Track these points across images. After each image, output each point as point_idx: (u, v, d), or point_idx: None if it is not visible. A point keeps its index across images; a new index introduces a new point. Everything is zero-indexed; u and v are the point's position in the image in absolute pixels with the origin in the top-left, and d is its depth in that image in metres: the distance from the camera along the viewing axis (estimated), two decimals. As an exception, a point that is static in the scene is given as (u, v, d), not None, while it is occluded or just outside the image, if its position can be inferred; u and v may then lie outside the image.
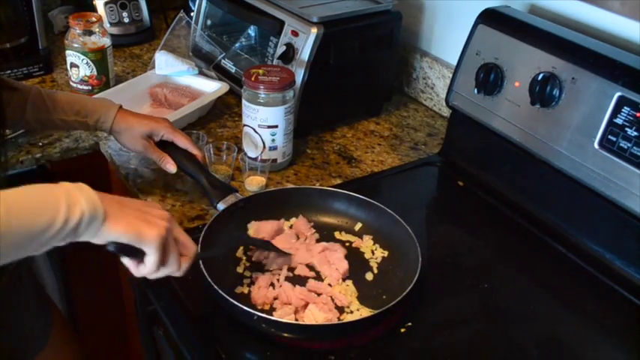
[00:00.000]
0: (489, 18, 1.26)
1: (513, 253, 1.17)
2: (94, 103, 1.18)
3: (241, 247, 1.09)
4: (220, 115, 1.51)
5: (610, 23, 1.19)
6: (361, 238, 1.13)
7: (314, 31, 1.34)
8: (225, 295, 0.92)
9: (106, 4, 1.79)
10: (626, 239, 1.08)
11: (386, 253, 1.10)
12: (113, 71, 1.56)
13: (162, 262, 0.82)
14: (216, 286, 0.93)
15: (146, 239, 0.79)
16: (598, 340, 1.02)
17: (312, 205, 1.16)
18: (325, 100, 1.44)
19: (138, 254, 0.81)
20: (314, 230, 1.13)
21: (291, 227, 1.13)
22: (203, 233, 1.02)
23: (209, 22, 1.67)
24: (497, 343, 0.98)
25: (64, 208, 0.71)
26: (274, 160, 1.31)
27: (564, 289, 1.10)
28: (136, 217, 0.79)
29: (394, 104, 1.62)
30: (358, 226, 1.15)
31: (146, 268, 0.82)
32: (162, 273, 0.84)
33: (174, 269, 0.85)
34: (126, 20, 1.82)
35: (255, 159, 1.28)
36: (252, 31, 1.61)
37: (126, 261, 0.83)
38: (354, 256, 1.08)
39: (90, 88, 1.52)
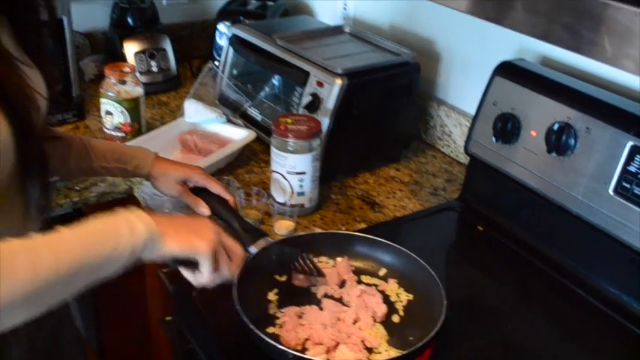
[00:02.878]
0: (506, 70, 1.32)
1: (533, 296, 1.22)
2: (132, 151, 1.25)
3: (274, 290, 1.13)
4: (247, 162, 1.58)
5: (620, 75, 1.25)
6: (386, 282, 1.18)
7: (339, 82, 1.42)
8: (262, 335, 0.97)
9: (136, 53, 1.88)
10: (643, 282, 1.13)
11: (411, 296, 1.14)
12: (145, 119, 1.64)
13: (215, 268, 0.92)
14: (252, 326, 0.98)
15: (199, 250, 0.89)
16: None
17: (340, 249, 1.21)
18: (348, 147, 1.51)
19: (193, 265, 0.91)
20: (353, 274, 1.18)
21: (333, 266, 1.18)
22: (238, 275, 1.08)
23: (234, 71, 1.74)
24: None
25: (126, 233, 0.80)
26: (302, 205, 1.36)
27: (583, 330, 1.14)
28: (188, 231, 0.89)
29: (412, 151, 1.68)
30: (383, 271, 1.19)
31: (202, 277, 0.92)
32: (218, 279, 0.94)
33: (226, 274, 0.94)
34: (154, 69, 1.90)
35: (283, 204, 1.34)
36: (276, 80, 1.69)
37: (185, 274, 0.94)
38: (381, 299, 1.13)
39: (123, 134, 1.59)
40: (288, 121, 1.34)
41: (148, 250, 0.83)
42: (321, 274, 1.14)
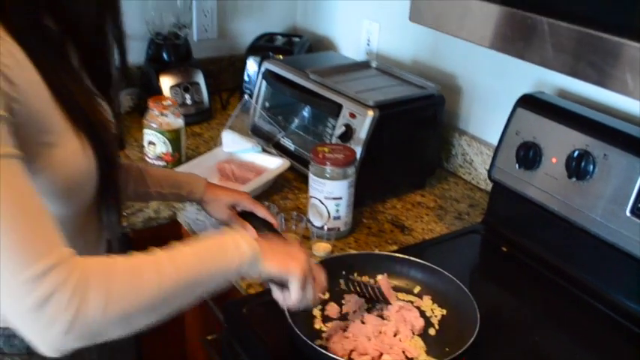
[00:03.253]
0: (527, 102, 1.43)
1: (556, 311, 1.31)
2: (185, 177, 1.35)
3: (318, 306, 1.22)
4: (282, 189, 1.68)
5: (632, 106, 1.36)
6: (421, 299, 1.27)
7: (370, 113, 1.52)
8: (315, 346, 1.06)
9: (171, 87, 1.99)
10: (660, 297, 1.22)
11: (444, 311, 1.23)
12: (184, 148, 1.74)
13: (303, 290, 1.00)
14: (305, 338, 1.07)
15: (292, 273, 0.99)
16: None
17: (377, 268, 1.30)
18: (378, 174, 1.61)
19: (283, 285, 1.01)
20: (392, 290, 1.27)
21: (375, 282, 1.27)
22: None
23: (267, 104, 1.85)
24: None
25: (233, 252, 0.91)
26: (338, 229, 1.46)
27: (603, 342, 1.23)
28: (284, 254, 0.99)
29: (436, 178, 1.78)
30: (417, 288, 1.28)
31: (290, 298, 1.01)
32: (303, 302, 1.02)
33: (309, 298, 1.03)
34: (188, 102, 2.01)
35: (321, 227, 1.44)
36: (306, 112, 1.80)
37: (275, 294, 1.03)
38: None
39: (165, 163, 1.70)
40: (326, 150, 1.44)
41: (250, 268, 0.94)
42: (387, 302, 1.23)
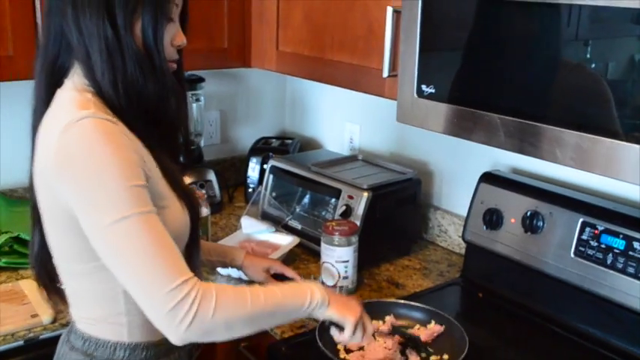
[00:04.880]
0: (488, 178, 1.85)
1: (525, 338, 1.67)
2: (228, 249, 1.72)
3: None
4: (293, 261, 2.03)
5: (568, 175, 1.79)
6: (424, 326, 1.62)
7: (365, 194, 1.92)
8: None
9: (190, 185, 2.36)
10: (604, 317, 1.59)
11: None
12: (210, 232, 2.10)
13: (354, 333, 1.34)
14: (329, 354, 1.41)
15: (347, 319, 1.33)
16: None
17: (385, 312, 1.65)
18: (372, 243, 1.98)
19: (340, 327, 1.35)
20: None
21: (383, 322, 1.62)
22: (317, 333, 1.51)
23: (274, 193, 2.24)
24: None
25: (309, 297, 1.26)
26: (347, 287, 1.81)
27: (563, 357, 1.59)
28: (345, 304, 1.34)
29: (418, 246, 2.17)
30: (417, 326, 1.64)
31: (344, 337, 1.35)
32: (352, 341, 1.37)
33: (359, 340, 1.37)
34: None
35: (333, 286, 1.79)
36: (306, 198, 2.18)
37: (332, 331, 1.37)
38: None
39: (196, 246, 2.04)
40: (334, 224, 1.81)
41: (318, 309, 1.28)
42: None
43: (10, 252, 1.94)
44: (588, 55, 1.25)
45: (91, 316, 1.29)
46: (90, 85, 1.19)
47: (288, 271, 1.72)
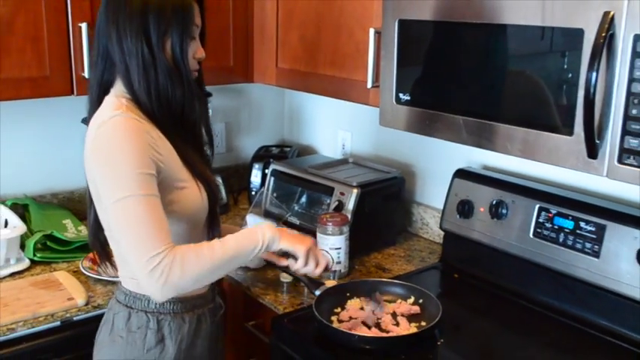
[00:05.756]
0: (461, 174, 2.13)
1: (494, 309, 1.94)
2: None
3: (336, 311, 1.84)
4: (293, 251, 2.30)
5: (527, 169, 2.07)
6: (405, 300, 1.89)
7: (355, 191, 2.20)
8: (336, 327, 1.68)
9: (199, 189, 2.63)
10: (560, 288, 1.86)
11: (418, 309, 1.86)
12: (219, 229, 2.37)
13: (306, 263, 1.63)
14: (327, 322, 1.69)
15: (298, 248, 1.63)
16: None
17: (371, 290, 1.91)
18: (362, 234, 2.25)
19: (294, 257, 1.63)
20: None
21: (371, 298, 1.88)
22: (314, 305, 1.77)
23: (275, 194, 2.51)
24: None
25: (261, 237, 1.55)
26: (340, 271, 2.09)
27: (526, 326, 1.86)
28: (295, 238, 1.63)
29: (403, 237, 2.45)
30: (399, 300, 1.91)
31: (298, 265, 1.65)
32: (306, 270, 1.67)
33: (311, 269, 1.67)
34: (212, 199, 2.66)
35: (327, 270, 2.06)
36: (303, 197, 2.46)
37: (290, 262, 1.67)
38: (402, 312, 1.85)
39: (207, 240, 2.31)
40: (327, 216, 2.09)
41: (272, 245, 1.57)
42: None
43: (44, 248, 2.22)
44: (532, 65, 1.53)
45: (130, 275, 1.60)
46: (128, 93, 1.51)
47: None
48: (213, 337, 1.72)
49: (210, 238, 1.61)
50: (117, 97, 1.51)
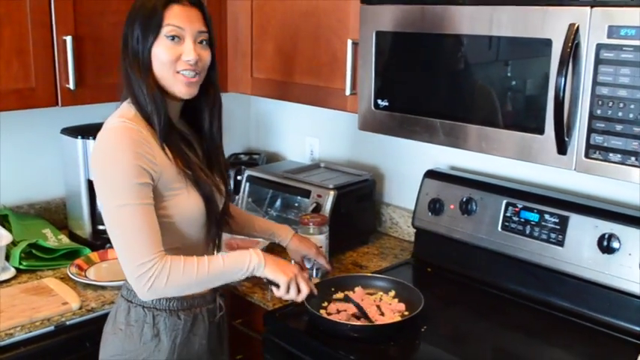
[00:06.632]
0: (431, 174, 2.28)
1: (465, 299, 2.10)
2: (276, 228, 2.06)
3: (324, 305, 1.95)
4: (270, 251, 2.39)
5: (492, 168, 2.24)
6: (387, 294, 2.02)
7: (331, 193, 2.32)
8: (327, 317, 1.79)
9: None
10: (527, 276, 2.03)
11: (400, 301, 1.99)
12: (200, 233, 2.46)
13: (287, 291, 1.71)
14: (318, 314, 1.80)
15: (280, 278, 1.69)
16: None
17: (353, 284, 2.04)
18: (337, 234, 2.37)
19: (277, 285, 1.71)
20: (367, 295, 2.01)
21: (353, 292, 2.01)
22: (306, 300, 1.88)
23: (250, 199, 2.62)
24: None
25: (247, 262, 1.64)
26: (320, 268, 2.21)
27: (497, 313, 2.02)
28: (279, 267, 1.69)
29: (374, 237, 2.58)
30: (380, 293, 2.04)
31: (280, 293, 1.72)
32: (288, 297, 1.73)
33: (293, 297, 1.73)
34: (186, 206, 2.73)
35: (310, 268, 2.18)
36: (278, 201, 2.57)
37: (274, 289, 1.72)
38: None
39: (189, 244, 2.40)
40: (308, 217, 2.21)
41: (256, 271, 1.65)
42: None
43: (29, 257, 2.25)
44: (504, 72, 1.69)
45: None
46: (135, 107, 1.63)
47: (321, 259, 2.08)
48: (214, 337, 1.82)
49: (208, 238, 1.72)
50: (128, 104, 1.64)
